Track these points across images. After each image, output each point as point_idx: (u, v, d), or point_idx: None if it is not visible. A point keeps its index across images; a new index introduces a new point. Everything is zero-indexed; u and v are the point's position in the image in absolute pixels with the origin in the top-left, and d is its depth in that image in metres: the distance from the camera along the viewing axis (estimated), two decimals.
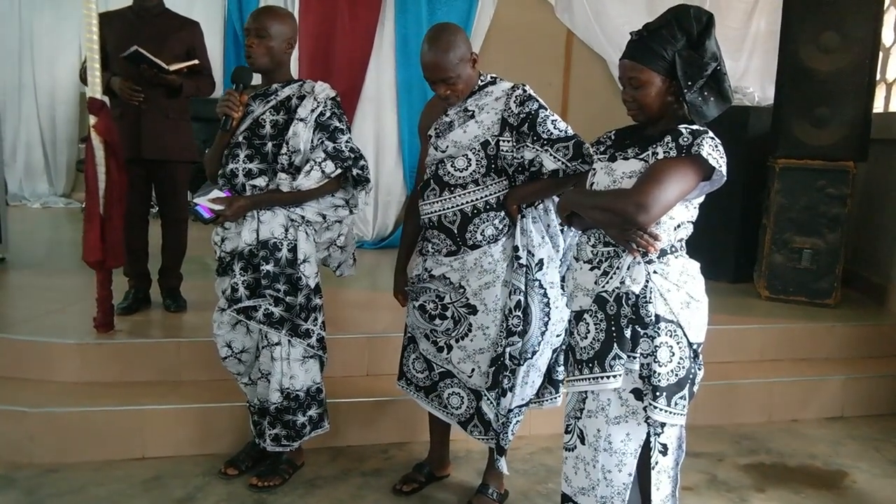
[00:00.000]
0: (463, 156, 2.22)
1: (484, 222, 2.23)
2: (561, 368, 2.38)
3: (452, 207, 2.24)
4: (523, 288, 2.21)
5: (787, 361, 3.57)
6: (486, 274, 2.24)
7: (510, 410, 2.28)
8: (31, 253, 4.79)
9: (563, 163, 2.14)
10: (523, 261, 2.21)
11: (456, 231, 2.25)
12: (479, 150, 2.21)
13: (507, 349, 2.23)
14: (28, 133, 7.22)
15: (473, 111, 2.24)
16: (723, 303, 3.86)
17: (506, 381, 2.25)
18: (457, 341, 2.31)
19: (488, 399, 2.29)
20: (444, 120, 2.29)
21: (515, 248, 2.22)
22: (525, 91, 2.22)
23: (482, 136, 2.21)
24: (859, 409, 3.41)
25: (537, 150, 2.16)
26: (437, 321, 2.33)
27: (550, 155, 2.15)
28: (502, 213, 2.24)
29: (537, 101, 2.21)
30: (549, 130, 2.16)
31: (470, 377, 2.33)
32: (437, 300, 2.32)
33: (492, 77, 2.30)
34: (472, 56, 2.22)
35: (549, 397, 2.41)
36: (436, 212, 2.27)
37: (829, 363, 3.59)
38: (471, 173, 2.22)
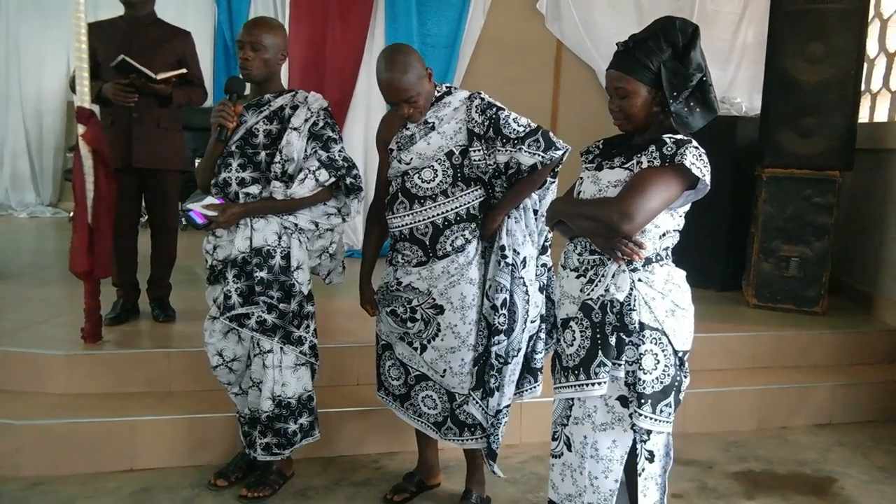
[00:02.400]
0: (429, 167, 2.26)
1: (454, 234, 2.27)
2: (539, 356, 2.40)
3: (424, 220, 2.27)
4: (509, 286, 2.23)
5: (776, 369, 3.59)
6: (451, 276, 2.27)
7: (499, 411, 2.29)
8: (17, 263, 4.76)
9: (539, 155, 2.18)
10: (510, 260, 2.24)
11: (428, 243, 2.28)
12: (444, 161, 2.26)
13: (493, 348, 2.25)
14: (14, 142, 7.18)
15: (434, 123, 2.27)
16: (711, 311, 3.88)
17: (492, 380, 2.26)
18: (429, 342, 2.33)
19: (474, 400, 2.30)
20: (404, 133, 2.31)
21: (502, 248, 2.24)
22: (483, 99, 2.28)
23: (446, 146, 2.26)
24: (848, 415, 3.43)
25: (510, 150, 2.20)
26: (409, 324, 2.36)
27: (524, 151, 2.18)
28: (473, 225, 2.28)
29: (495, 105, 2.26)
30: (514, 130, 2.20)
31: (443, 377, 2.35)
32: (406, 304, 2.35)
33: (447, 87, 2.35)
34: (428, 71, 2.26)
35: (528, 387, 2.42)
36: (407, 224, 2.30)
37: (818, 370, 3.61)
38: (438, 184, 2.26)
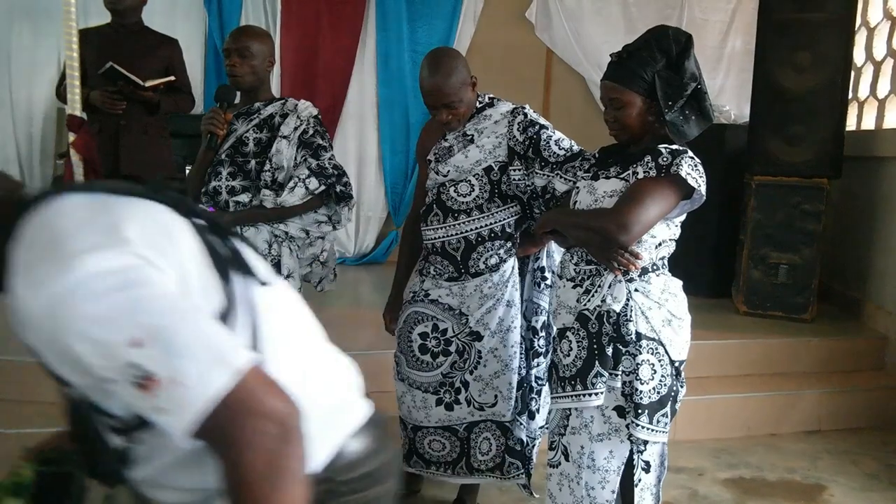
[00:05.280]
0: (465, 181, 2.21)
1: (488, 251, 2.21)
2: None
3: (456, 234, 2.22)
4: (547, 308, 2.22)
5: (765, 376, 3.60)
6: (487, 299, 2.22)
7: (534, 432, 2.30)
8: None
9: (573, 183, 2.13)
10: (549, 282, 2.22)
11: (459, 258, 2.23)
12: (482, 176, 2.21)
13: (533, 371, 2.22)
14: (4, 149, 7.13)
15: (473, 135, 2.22)
16: (701, 318, 3.84)
17: (533, 403, 2.25)
18: (470, 373, 2.26)
19: (520, 423, 2.27)
20: (442, 145, 2.27)
21: (542, 270, 2.22)
22: (526, 116, 2.21)
23: (484, 160, 2.21)
24: (836, 422, 3.44)
25: (547, 175, 2.15)
26: (441, 358, 2.27)
27: (561, 177, 2.13)
28: (508, 244, 2.23)
29: (538, 123, 2.20)
30: (554, 153, 2.14)
31: (493, 406, 2.26)
32: (439, 336, 2.27)
33: (490, 98, 2.29)
34: (473, 79, 2.21)
35: None
36: (440, 237, 2.25)
37: (807, 377, 3.62)
38: (474, 199, 2.21)
